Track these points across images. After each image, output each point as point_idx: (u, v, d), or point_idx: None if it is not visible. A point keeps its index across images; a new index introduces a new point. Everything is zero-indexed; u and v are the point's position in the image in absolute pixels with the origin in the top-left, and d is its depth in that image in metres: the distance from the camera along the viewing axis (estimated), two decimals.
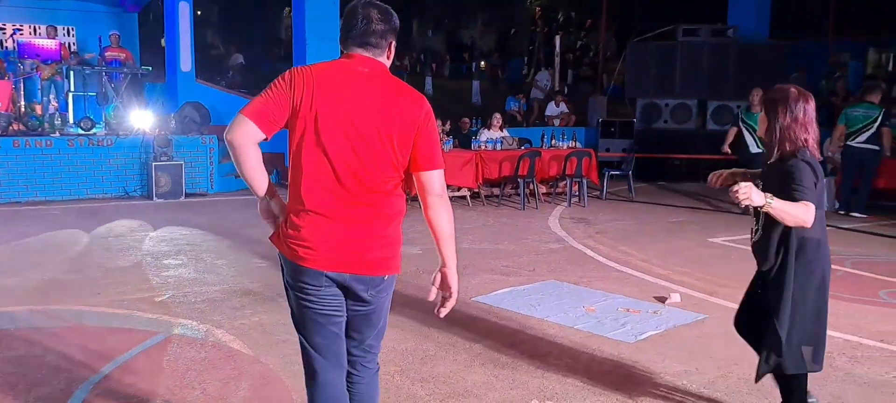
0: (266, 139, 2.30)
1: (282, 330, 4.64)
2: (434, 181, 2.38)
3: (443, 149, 10.00)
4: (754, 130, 9.17)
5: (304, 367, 2.48)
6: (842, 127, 9.59)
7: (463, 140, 11.00)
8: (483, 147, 10.31)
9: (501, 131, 10.94)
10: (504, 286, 5.82)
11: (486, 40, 29.17)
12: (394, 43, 2.41)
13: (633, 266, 6.69)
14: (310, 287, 2.36)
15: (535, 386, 3.82)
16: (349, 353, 2.52)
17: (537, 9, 28.43)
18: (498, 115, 11.18)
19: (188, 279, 5.97)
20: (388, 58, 2.41)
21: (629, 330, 4.74)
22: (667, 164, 14.07)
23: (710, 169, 3.84)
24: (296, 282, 2.38)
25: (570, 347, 4.42)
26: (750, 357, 4.08)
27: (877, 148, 9.25)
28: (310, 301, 2.39)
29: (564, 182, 10.60)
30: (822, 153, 5.52)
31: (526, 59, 26.60)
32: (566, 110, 14.96)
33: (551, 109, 15.03)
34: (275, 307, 5.17)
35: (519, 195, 10.12)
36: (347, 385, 2.53)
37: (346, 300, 2.43)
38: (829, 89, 14.86)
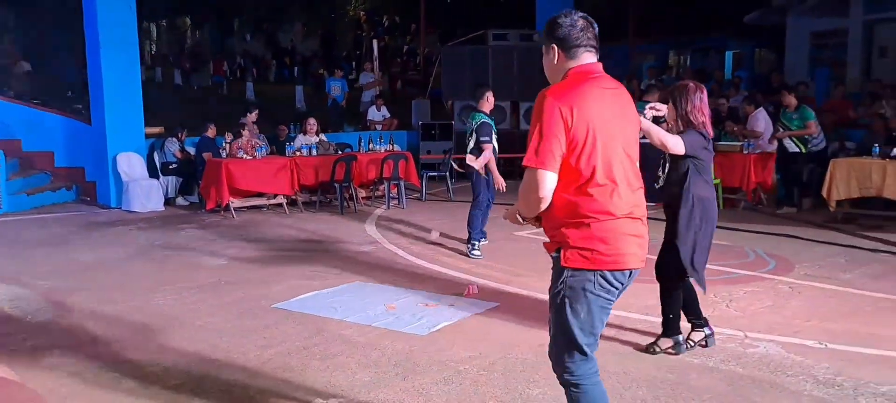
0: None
1: (56, 353, 4.34)
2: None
3: (255, 156, 9.77)
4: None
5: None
6: None
7: (280, 147, 10.80)
8: (298, 153, 10.19)
9: (317, 136, 10.85)
10: (308, 291, 5.79)
11: (309, 44, 28.87)
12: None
13: (441, 263, 6.91)
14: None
15: (322, 386, 3.85)
16: None
17: (362, 14, 28.59)
18: (313, 120, 11.07)
19: None
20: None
21: (425, 323, 4.90)
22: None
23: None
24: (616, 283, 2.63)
25: (363, 344, 4.49)
26: (528, 340, 4.35)
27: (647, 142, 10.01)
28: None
29: (383, 185, 10.72)
30: None
31: (354, 63, 26.68)
32: (388, 115, 15.12)
33: (373, 114, 15.12)
34: (48, 329, 4.82)
35: (337, 201, 10.11)
36: None
37: None
38: (629, 89, 16.18)
